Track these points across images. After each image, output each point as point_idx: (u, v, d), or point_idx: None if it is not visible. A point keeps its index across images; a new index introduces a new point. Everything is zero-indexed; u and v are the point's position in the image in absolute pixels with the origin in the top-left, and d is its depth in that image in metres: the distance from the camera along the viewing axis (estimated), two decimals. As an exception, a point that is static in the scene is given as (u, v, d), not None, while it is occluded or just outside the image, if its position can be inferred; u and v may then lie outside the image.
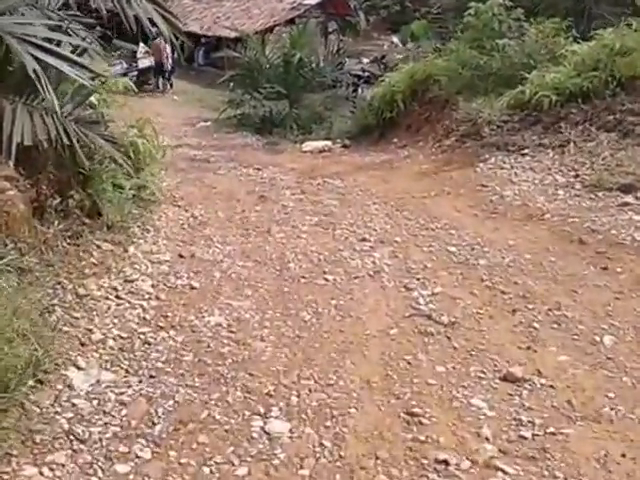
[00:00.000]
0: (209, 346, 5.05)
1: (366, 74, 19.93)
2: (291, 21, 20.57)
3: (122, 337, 5.00)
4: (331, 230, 7.96)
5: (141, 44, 20.63)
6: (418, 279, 6.39)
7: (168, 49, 20.78)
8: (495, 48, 12.59)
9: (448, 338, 5.34)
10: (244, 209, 9.28)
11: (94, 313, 5.23)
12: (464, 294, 6.08)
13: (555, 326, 5.48)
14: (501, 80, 11.86)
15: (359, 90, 19.01)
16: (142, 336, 5.05)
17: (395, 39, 25.80)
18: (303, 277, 6.48)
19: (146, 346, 4.93)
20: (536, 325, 5.50)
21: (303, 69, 17.09)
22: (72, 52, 5.98)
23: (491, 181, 9.18)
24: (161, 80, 20.77)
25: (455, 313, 5.71)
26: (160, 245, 7.05)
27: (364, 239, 7.51)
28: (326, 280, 6.42)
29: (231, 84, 18.14)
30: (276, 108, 16.68)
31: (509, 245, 7.10)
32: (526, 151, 9.82)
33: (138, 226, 7.33)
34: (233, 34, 19.93)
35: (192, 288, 6.06)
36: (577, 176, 8.82)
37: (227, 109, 17.54)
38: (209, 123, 17.62)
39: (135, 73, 20.19)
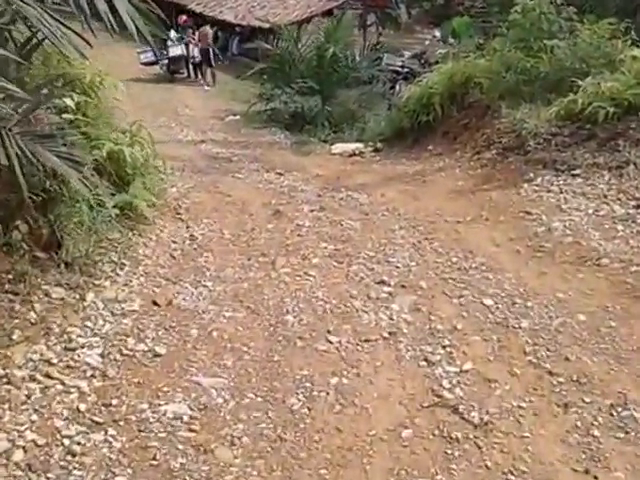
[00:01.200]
0: (155, 457, 3.62)
1: (405, 70, 18.25)
2: (328, 12, 18.99)
3: (37, 444, 3.59)
4: (346, 265, 6.48)
5: (172, 31, 19.22)
6: (444, 347, 4.89)
7: (197, 36, 19.33)
8: (543, 50, 10.89)
9: (479, 448, 3.86)
10: (254, 227, 7.86)
11: (6, 406, 3.82)
12: (501, 374, 4.57)
13: (620, 435, 3.96)
14: (549, 86, 10.18)
15: (397, 87, 17.37)
16: (67, 441, 3.63)
17: (437, 34, 23.98)
18: (301, 338, 5.02)
19: (68, 459, 3.51)
20: (595, 432, 3.98)
21: (337, 64, 15.53)
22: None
23: (536, 207, 7.57)
24: (209, 69, 19.36)
25: (489, 406, 4.21)
26: (132, 287, 5.61)
27: (383, 281, 6.01)
28: (329, 343, 4.95)
29: (264, 77, 16.66)
30: (308, 104, 15.14)
31: (558, 300, 5.54)
32: (577, 171, 8.17)
33: (111, 259, 5.90)
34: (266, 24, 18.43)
35: (155, 356, 4.62)
36: (639, 207, 7.18)
37: (257, 103, 16.07)
38: (238, 117, 16.19)
39: (165, 62, 18.81)
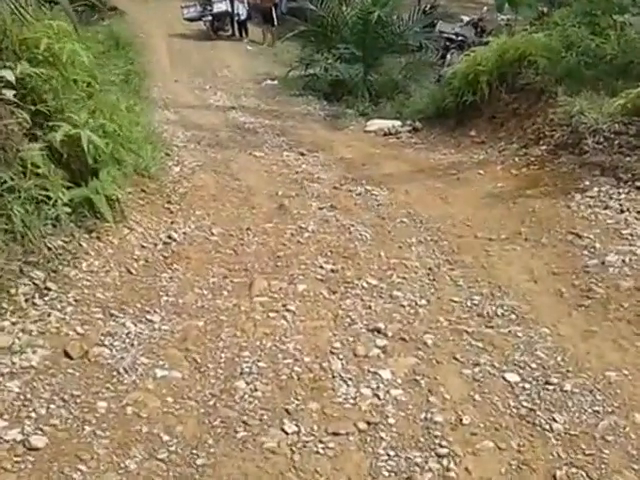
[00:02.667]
0: None
1: (459, 38, 16.18)
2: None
3: None
4: (338, 297, 4.90)
5: (219, -14, 17.52)
6: (439, 457, 3.31)
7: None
8: (612, 26, 8.92)
9: None
10: (251, 226, 6.34)
11: None
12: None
13: None
14: (617, 71, 8.26)
15: (448, 57, 15.36)
16: None
17: (498, -1, 21.61)
18: (245, 424, 3.47)
19: None
20: None
21: (383, 29, 13.64)
22: None
23: (589, 229, 5.82)
24: (272, 28, 17.61)
25: None
26: (46, 326, 4.06)
27: (378, 329, 4.41)
28: (283, 434, 3.41)
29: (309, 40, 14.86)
30: (348, 72, 13.33)
31: (608, 382, 3.86)
32: (645, 183, 6.37)
33: (32, 281, 4.41)
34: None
35: (29, 450, 3.11)
36: None
37: (296, 68, 14.35)
38: (276, 82, 14.51)
39: (209, 18, 17.12)
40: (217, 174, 8.13)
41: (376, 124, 11.19)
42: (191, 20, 17.10)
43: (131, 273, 5.01)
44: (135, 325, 4.25)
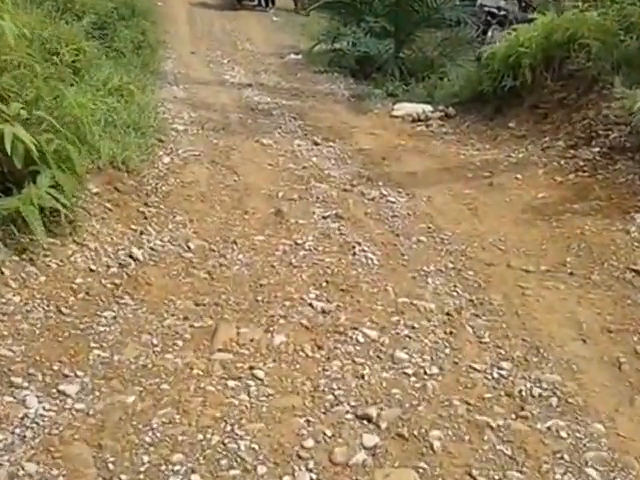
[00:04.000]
0: None
1: (502, 13, 14.52)
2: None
3: None
4: (324, 355, 3.66)
5: (244, -47, 16.07)
6: None
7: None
8: (684, 4, 7.40)
9: None
10: (237, 239, 5.13)
11: None
12: None
13: None
14: (689, 58, 6.76)
15: (489, 33, 13.76)
16: None
17: (547, -29, 19.75)
18: None
19: None
20: None
21: (418, 2, 12.11)
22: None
23: (655, 265, 4.46)
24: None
25: None
26: None
27: (368, 417, 3.17)
28: None
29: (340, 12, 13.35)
30: (378, 48, 11.85)
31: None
32: None
33: None
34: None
35: None
36: None
37: (322, 42, 12.91)
38: (300, 56, 13.11)
39: (235, -14, 15.75)
40: (213, 166, 6.91)
41: (404, 108, 9.79)
42: (215, -13, 15.78)
43: (61, 313, 3.83)
44: (40, 402, 3.07)
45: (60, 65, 7.38)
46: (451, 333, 3.85)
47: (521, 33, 8.19)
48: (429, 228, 5.35)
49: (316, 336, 3.81)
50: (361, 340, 3.76)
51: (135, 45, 11.59)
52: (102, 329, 3.75)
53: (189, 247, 5.01)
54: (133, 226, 5.20)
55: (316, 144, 7.89)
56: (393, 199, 6.00)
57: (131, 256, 4.66)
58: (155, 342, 3.71)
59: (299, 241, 5.15)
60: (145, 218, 5.41)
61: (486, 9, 14.49)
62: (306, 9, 14.62)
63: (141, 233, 5.10)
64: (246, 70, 11.89)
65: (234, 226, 5.48)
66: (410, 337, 3.79)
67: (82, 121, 4.69)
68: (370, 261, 4.79)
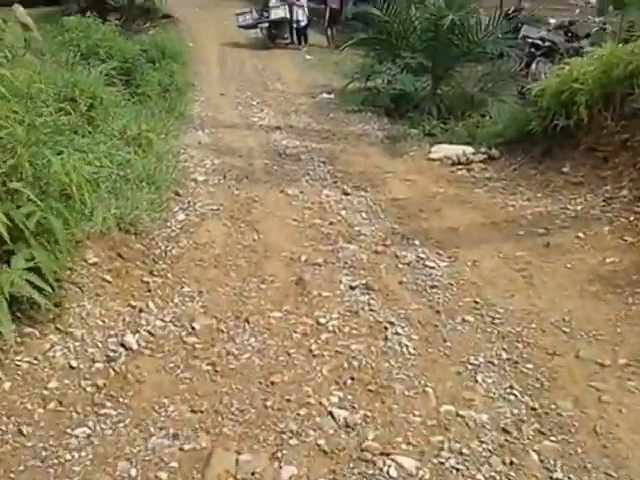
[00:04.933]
0: None
1: (546, 44, 13.56)
2: (461, -29, 14.51)
3: None
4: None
5: (276, -10, 15.49)
6: None
7: (304, -3, 15.45)
8: None
9: None
10: (249, 318, 4.29)
11: None
12: None
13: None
14: None
15: (533, 66, 12.82)
16: None
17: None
18: None
19: None
20: None
21: (457, 35, 11.25)
22: None
23: None
24: (328, 31, 15.50)
25: None
26: None
27: None
28: None
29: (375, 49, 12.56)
30: (414, 85, 11.02)
31: None
32: None
33: None
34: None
35: None
36: None
37: (355, 80, 12.15)
38: (333, 95, 12.36)
39: (266, 25, 15.10)
40: (232, 223, 6.13)
41: (443, 150, 8.91)
42: (246, 28, 15.17)
43: (22, 434, 3.02)
44: None
45: (74, 115, 6.75)
46: (511, 464, 2.91)
47: (574, 67, 7.27)
48: (476, 303, 4.42)
49: (336, 466, 2.92)
50: (394, 474, 2.85)
51: (162, 88, 11.02)
52: (69, 457, 2.92)
53: (193, 328, 4.19)
54: (132, 302, 4.41)
55: (346, 194, 7.07)
56: (432, 263, 5.10)
57: (123, 344, 3.85)
58: (133, 474, 2.86)
59: (322, 320, 4.28)
60: (148, 290, 4.63)
61: (529, 40, 13.59)
62: (339, 46, 13.90)
63: (140, 311, 4.30)
64: (276, 111, 11.18)
65: (249, 298, 4.66)
66: (458, 470, 2.87)
67: (74, 187, 3.86)
68: (405, 349, 3.89)
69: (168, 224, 5.77)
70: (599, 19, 11.51)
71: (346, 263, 5.14)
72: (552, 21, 16.37)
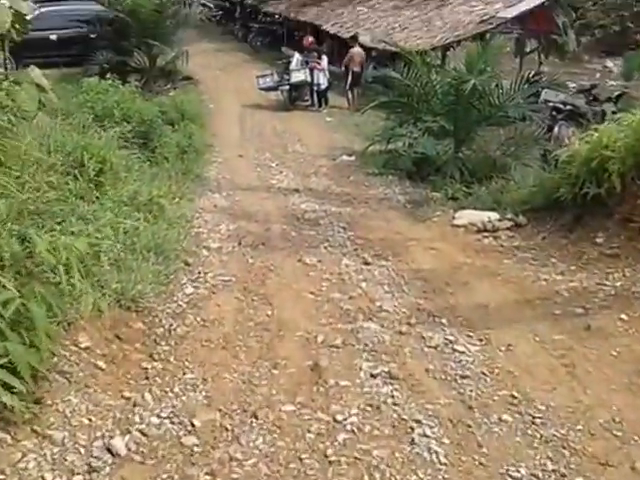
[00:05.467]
0: None
1: (568, 108, 13.20)
2: (480, 36, 14.37)
3: None
4: None
5: (297, 54, 15.29)
6: None
7: (324, 60, 15.27)
8: None
9: None
10: (257, 412, 3.75)
11: None
12: None
13: None
14: None
15: (555, 129, 12.44)
16: None
17: (610, 64, 18.54)
18: None
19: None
20: None
21: (479, 99, 10.92)
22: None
23: None
24: (349, 94, 15.30)
25: None
26: None
27: None
28: None
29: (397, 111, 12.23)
30: (436, 148, 10.62)
31: None
32: None
33: None
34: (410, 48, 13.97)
35: None
36: None
37: (376, 142, 11.80)
38: (353, 158, 11.99)
39: (287, 87, 14.93)
40: (245, 296, 5.64)
41: (467, 216, 8.43)
42: (267, 90, 15.02)
43: None
44: None
45: (81, 180, 6.39)
46: None
47: (604, 134, 6.82)
48: (513, 397, 3.85)
49: None
50: None
51: (180, 150, 10.73)
52: None
53: (193, 425, 3.67)
54: (127, 393, 3.89)
55: (366, 263, 6.59)
56: (462, 347, 4.55)
57: (109, 449, 3.31)
58: None
59: (339, 416, 3.74)
60: (146, 378, 4.12)
61: (551, 104, 13.25)
62: (360, 109, 13.64)
63: (134, 405, 3.79)
64: (295, 174, 10.82)
65: (258, 386, 4.14)
66: None
67: (61, 269, 3.40)
68: (435, 456, 3.33)
69: (175, 298, 5.29)
70: (623, 83, 11.12)
71: (366, 345, 4.61)
72: (572, 85, 16.10)
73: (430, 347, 4.58)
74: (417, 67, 11.22)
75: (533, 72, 14.91)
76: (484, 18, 14.80)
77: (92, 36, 15.34)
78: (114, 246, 5.41)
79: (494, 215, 8.26)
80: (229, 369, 4.35)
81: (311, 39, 15.80)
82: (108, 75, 11.36)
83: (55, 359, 3.81)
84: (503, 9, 15.28)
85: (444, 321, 5.03)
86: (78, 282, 3.50)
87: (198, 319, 5.04)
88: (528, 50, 17.39)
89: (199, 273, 6.03)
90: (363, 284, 5.94)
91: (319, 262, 6.63)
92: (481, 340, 4.65)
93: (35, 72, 8.88)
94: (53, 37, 15.66)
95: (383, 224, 8.28)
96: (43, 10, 16.24)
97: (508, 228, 7.83)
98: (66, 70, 15.11)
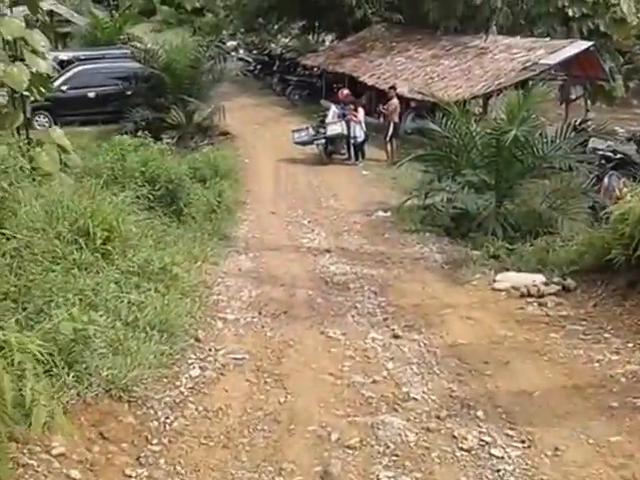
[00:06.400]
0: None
1: (617, 156, 12.40)
2: (522, 84, 13.76)
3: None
4: None
5: (333, 106, 14.90)
6: None
7: (361, 113, 14.82)
8: None
9: None
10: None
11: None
12: None
13: None
14: None
15: (605, 180, 11.61)
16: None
17: (662, 109, 17.62)
18: None
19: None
20: None
21: (521, 150, 10.26)
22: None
23: None
24: (388, 146, 14.76)
25: None
26: None
27: None
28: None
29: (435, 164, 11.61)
30: (476, 203, 9.93)
31: None
32: None
33: None
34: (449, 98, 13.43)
35: None
36: None
37: (413, 198, 11.20)
38: (389, 214, 11.39)
39: (322, 141, 14.51)
40: (257, 378, 5.04)
41: (510, 279, 7.71)
42: (303, 144, 14.64)
43: None
44: None
45: (86, 250, 5.94)
46: None
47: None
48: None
49: None
50: None
51: (209, 208, 10.33)
52: None
53: None
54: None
55: (396, 337, 5.94)
56: (500, 451, 3.83)
57: None
58: None
59: None
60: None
61: (599, 153, 12.46)
62: (396, 162, 13.08)
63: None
64: (327, 232, 10.28)
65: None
66: None
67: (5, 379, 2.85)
68: None
69: (177, 383, 4.72)
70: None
71: (388, 447, 3.93)
72: (621, 131, 15.28)
73: (463, 450, 3.87)
74: (456, 118, 10.67)
75: (579, 119, 14.21)
76: (526, 65, 14.20)
77: (129, 93, 15.31)
78: (112, 325, 4.89)
79: (539, 277, 7.55)
80: (227, 475, 3.71)
81: (346, 91, 15.41)
82: (139, 133, 11.11)
83: (20, 469, 3.25)
84: (546, 55, 14.69)
85: (480, 414, 4.31)
86: (28, 393, 2.93)
87: (200, 409, 4.45)
88: (574, 97, 16.66)
89: (210, 350, 5.46)
90: (390, 364, 5.28)
91: (343, 335, 6.02)
92: (524, 442, 3.92)
93: (57, 133, 8.66)
94: (91, 94, 15.69)
95: (418, 288, 7.63)
96: (81, 68, 16.39)
97: (555, 293, 7.10)
98: (103, 127, 15.08)
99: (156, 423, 4.17)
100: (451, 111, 10.70)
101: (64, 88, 15.03)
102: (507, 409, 4.38)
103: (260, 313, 6.57)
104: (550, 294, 7.09)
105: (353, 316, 6.59)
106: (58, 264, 5.55)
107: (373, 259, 8.92)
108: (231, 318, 6.33)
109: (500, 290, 7.40)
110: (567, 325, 6.06)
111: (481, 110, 15.08)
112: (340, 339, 5.91)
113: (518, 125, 9.83)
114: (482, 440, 3.96)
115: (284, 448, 4.01)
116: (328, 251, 9.24)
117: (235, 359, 5.36)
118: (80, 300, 4.99)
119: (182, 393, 4.62)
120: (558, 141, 10.61)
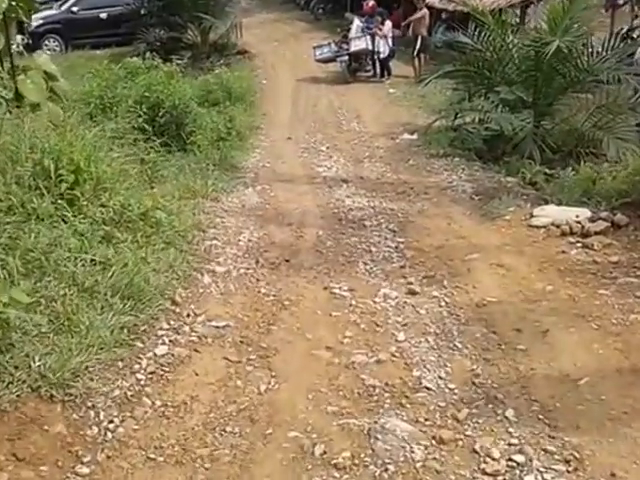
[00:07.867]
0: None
1: (669, 69, 10.53)
2: (565, -10, 11.77)
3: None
4: None
5: (356, 20, 13.15)
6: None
7: (387, 26, 13.03)
8: None
9: None
10: None
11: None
12: None
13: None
14: None
15: (657, 96, 9.84)
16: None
17: None
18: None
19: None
20: None
21: (564, 63, 8.62)
22: None
23: None
24: (416, 61, 13.10)
25: None
26: None
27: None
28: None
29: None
30: (511, 123, 8.40)
31: None
32: None
33: None
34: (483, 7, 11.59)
35: None
36: None
37: (441, 119, 9.73)
38: (415, 136, 9.94)
39: (345, 58, 12.87)
40: (239, 354, 3.98)
41: (549, 213, 6.36)
42: (325, 62, 13.05)
43: None
44: None
45: (46, 197, 4.81)
46: None
47: None
48: None
49: None
50: None
51: (218, 135, 9.06)
52: None
53: None
54: None
55: (412, 293, 4.70)
56: (537, 478, 2.62)
57: None
58: None
59: None
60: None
61: (649, 65, 10.63)
62: (423, 80, 11.44)
63: None
64: (346, 158, 8.96)
65: None
66: None
67: None
68: None
69: (136, 366, 3.63)
70: None
71: (385, 469, 2.80)
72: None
73: (485, 475, 2.69)
74: (490, 28, 9.04)
75: (626, 28, 12.35)
76: (570, -33, 12.10)
77: (142, 12, 13.83)
78: (62, 294, 3.80)
79: (584, 211, 6.21)
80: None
81: (372, 3, 13.58)
82: (147, 54, 9.77)
83: None
84: (592, -44, 12.55)
85: (510, 413, 3.13)
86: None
87: (157, 404, 3.37)
88: (621, 2, 14.54)
89: (187, 316, 4.34)
90: (401, 334, 4.11)
91: (350, 291, 4.85)
92: (568, 462, 2.74)
93: (42, 58, 7.45)
94: (103, 15, 14.27)
95: (443, 224, 6.37)
96: (91, -12, 14.93)
97: (603, 231, 5.75)
98: (117, 50, 13.74)
99: (95, 430, 3.11)
100: (485, 21, 9.08)
101: (74, 9, 13.59)
102: (545, 405, 3.19)
103: (257, 262, 5.41)
104: (597, 232, 5.77)
105: (366, 263, 5.40)
106: (14, 214, 4.49)
107: (394, 190, 7.63)
108: (221, 270, 5.17)
109: (538, 227, 6.08)
110: (619, 276, 4.78)
111: (518, 20, 13.22)
112: (346, 297, 4.74)
113: (561, 35, 8.18)
114: (512, 460, 2.79)
115: (254, 465, 2.93)
116: (345, 181, 7.98)
117: (216, 327, 4.25)
118: (24, 264, 3.91)
119: (139, 382, 3.53)
120: (604, 52, 8.94)
